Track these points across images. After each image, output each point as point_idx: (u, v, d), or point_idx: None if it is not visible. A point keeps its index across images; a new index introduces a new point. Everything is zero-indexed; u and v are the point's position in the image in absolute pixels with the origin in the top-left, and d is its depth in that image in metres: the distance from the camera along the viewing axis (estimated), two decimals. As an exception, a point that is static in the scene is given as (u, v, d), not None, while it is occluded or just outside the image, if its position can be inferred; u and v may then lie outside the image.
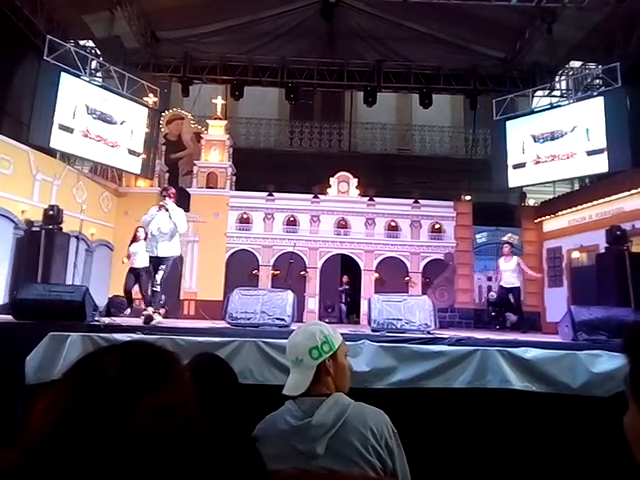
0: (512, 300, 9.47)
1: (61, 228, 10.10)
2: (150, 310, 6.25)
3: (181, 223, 6.52)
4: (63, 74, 11.27)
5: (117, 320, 6.24)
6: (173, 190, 6.77)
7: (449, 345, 4.56)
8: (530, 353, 4.27)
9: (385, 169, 16.59)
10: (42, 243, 9.53)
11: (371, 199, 14.09)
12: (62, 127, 11.25)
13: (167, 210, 6.37)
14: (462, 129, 18.05)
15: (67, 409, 0.63)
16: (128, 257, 8.92)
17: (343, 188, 14.32)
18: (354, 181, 14.33)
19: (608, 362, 4.13)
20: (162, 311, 6.50)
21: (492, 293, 12.47)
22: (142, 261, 8.38)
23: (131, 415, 0.64)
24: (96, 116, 12.04)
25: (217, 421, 1.47)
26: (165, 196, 6.53)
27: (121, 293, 9.25)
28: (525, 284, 12.25)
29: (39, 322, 4.79)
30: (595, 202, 11.51)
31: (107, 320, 5.95)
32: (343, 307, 13.56)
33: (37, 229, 9.92)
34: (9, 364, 4.15)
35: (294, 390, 1.69)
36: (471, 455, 3.93)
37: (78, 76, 11.67)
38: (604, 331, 5.04)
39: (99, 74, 13.48)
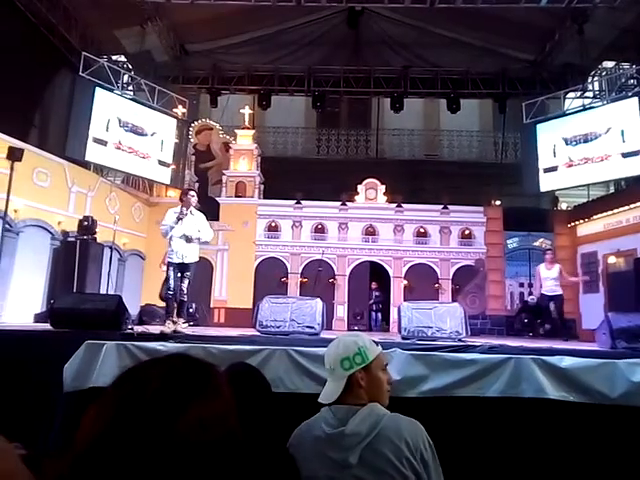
0: (553, 308, 9.20)
1: (95, 238, 10.37)
2: (181, 321, 6.23)
3: (208, 232, 6.35)
4: (97, 89, 11.62)
5: (150, 328, 6.34)
6: (193, 193, 6.49)
7: (481, 353, 4.48)
8: (566, 362, 4.15)
9: (413, 175, 16.48)
10: (77, 253, 9.80)
11: (399, 205, 14.01)
12: (96, 140, 11.60)
13: (189, 214, 6.17)
14: (491, 133, 17.80)
15: (111, 422, 0.66)
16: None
17: (371, 195, 14.29)
18: (382, 188, 14.28)
19: (649, 371, 3.99)
20: (182, 320, 6.34)
21: (532, 297, 12.14)
22: None
23: (172, 427, 0.65)
24: (128, 128, 12.36)
25: (252, 430, 1.48)
26: (185, 199, 6.27)
27: (152, 302, 9.39)
28: (560, 290, 11.94)
29: (76, 330, 4.91)
30: (632, 205, 11.19)
31: (140, 328, 6.05)
32: (374, 315, 13.48)
33: (72, 239, 10.22)
34: (48, 371, 4.26)
35: (325, 398, 1.70)
36: (506, 467, 3.84)
37: (111, 90, 12.02)
38: (644, 339, 4.88)
39: (130, 88, 13.84)
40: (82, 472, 0.63)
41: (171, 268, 6.26)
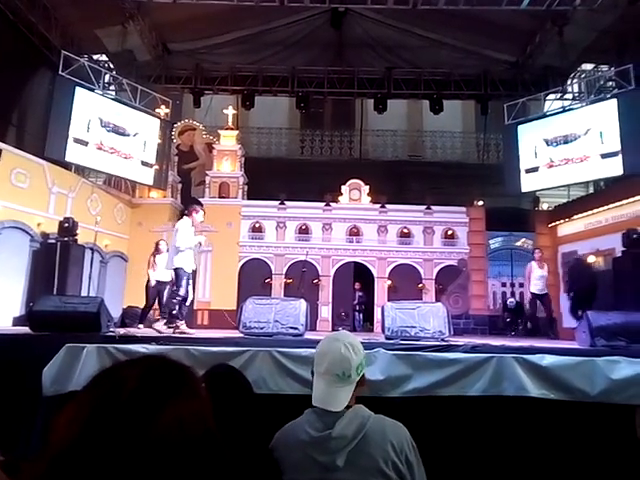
0: (542, 307, 9.28)
1: (76, 240, 10.21)
2: (179, 323, 6.57)
3: None
4: (77, 88, 11.46)
5: (132, 331, 6.29)
6: (203, 213, 7.19)
7: (464, 352, 4.52)
8: (547, 360, 4.21)
9: (397, 176, 16.57)
10: (58, 255, 9.65)
11: (383, 206, 14.06)
12: (77, 140, 11.42)
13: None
14: (473, 134, 17.97)
15: (88, 422, 0.65)
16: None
17: (355, 196, 14.32)
18: (366, 188, 14.31)
19: (627, 368, 4.06)
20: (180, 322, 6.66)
21: (511, 299, 12.29)
22: (165, 274, 8.41)
23: (149, 427, 0.65)
24: (110, 129, 12.20)
25: (232, 431, 1.48)
26: (195, 216, 6.94)
27: (135, 304, 9.28)
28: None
29: (55, 333, 4.84)
30: (611, 205, 11.38)
31: (122, 331, 5.99)
32: (357, 315, 13.52)
33: (53, 241, 10.05)
34: (27, 375, 4.19)
35: (337, 405, 1.64)
36: (488, 464, 3.87)
37: (92, 90, 11.85)
38: (623, 337, 4.96)
39: (112, 87, 13.69)
40: (58, 475, 0.62)
41: (185, 277, 6.65)
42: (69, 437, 0.64)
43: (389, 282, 13.54)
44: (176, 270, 6.67)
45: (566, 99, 14.33)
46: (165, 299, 7.49)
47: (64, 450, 0.64)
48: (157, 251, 8.76)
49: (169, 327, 6.64)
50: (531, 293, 9.37)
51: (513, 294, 12.86)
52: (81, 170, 12.42)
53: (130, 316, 9.06)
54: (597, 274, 9.72)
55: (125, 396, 0.67)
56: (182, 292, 6.61)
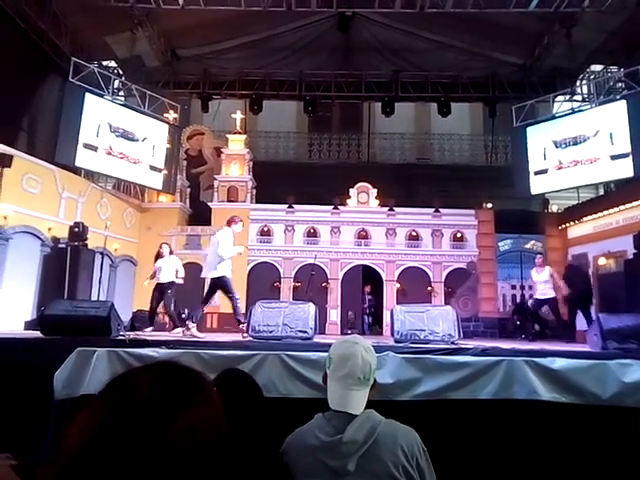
0: (547, 312, 9.23)
1: (86, 244, 10.30)
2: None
3: None
4: (87, 94, 11.58)
5: (141, 334, 6.32)
6: (242, 225, 7.57)
7: (474, 355, 4.49)
8: (558, 363, 4.17)
9: (405, 179, 16.53)
10: (68, 259, 9.73)
11: (391, 209, 14.05)
12: (86, 146, 11.54)
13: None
14: (482, 137, 17.89)
15: (102, 428, 0.66)
16: (152, 277, 8.77)
17: (363, 199, 14.32)
18: (374, 191, 14.32)
19: (639, 371, 4.01)
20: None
21: (531, 300, 12.15)
22: (167, 276, 8.45)
23: (163, 433, 0.66)
24: (119, 134, 12.31)
25: (244, 435, 1.48)
26: (234, 227, 7.37)
27: (145, 308, 9.31)
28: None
29: (66, 337, 4.87)
30: (621, 207, 11.29)
31: (132, 335, 6.01)
32: (366, 318, 13.49)
33: (63, 246, 10.15)
34: (38, 379, 4.22)
35: (358, 408, 1.65)
36: (499, 468, 3.84)
37: (101, 96, 11.97)
38: (635, 339, 4.91)
39: (121, 93, 13.81)
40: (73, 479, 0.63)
41: (230, 282, 6.90)
42: (82, 443, 0.65)
43: (398, 285, 13.52)
44: (223, 278, 6.78)
45: (575, 100, 14.24)
46: (235, 309, 7.39)
47: (77, 456, 0.64)
48: (159, 255, 8.75)
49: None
50: (535, 299, 9.38)
51: (523, 296, 12.76)
52: (91, 175, 12.53)
53: (140, 320, 9.07)
54: (590, 278, 9.75)
55: (140, 402, 0.68)
56: (238, 295, 6.97)
